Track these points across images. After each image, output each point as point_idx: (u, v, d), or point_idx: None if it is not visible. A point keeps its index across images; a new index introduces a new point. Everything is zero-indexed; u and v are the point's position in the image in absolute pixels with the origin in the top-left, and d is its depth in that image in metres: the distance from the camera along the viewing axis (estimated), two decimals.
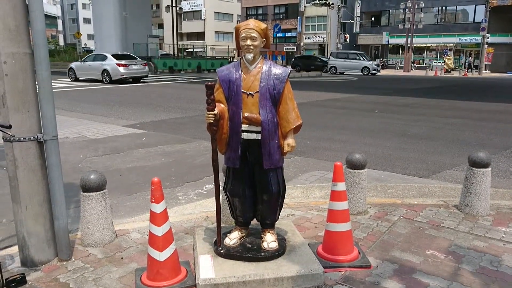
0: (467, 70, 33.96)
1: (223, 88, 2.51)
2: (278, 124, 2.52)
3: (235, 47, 2.62)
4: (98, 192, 2.96)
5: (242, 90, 2.47)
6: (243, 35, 2.43)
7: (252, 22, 2.45)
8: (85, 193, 2.95)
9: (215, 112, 2.41)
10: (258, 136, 2.48)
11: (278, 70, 2.49)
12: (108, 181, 3.09)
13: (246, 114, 2.45)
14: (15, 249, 2.87)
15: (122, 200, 4.24)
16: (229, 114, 2.51)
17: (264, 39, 2.49)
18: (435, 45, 41.09)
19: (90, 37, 59.91)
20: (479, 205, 3.58)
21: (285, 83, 2.48)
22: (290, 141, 2.53)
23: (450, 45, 40.02)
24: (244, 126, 2.49)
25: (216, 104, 2.45)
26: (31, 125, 2.61)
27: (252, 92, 2.46)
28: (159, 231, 2.41)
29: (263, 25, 2.47)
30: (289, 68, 2.61)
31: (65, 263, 2.77)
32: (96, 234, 2.99)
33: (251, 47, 2.43)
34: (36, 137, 2.61)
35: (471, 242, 3.05)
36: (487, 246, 2.98)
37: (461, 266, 2.69)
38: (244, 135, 2.50)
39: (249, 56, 2.45)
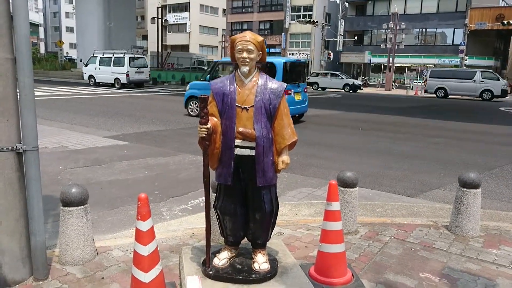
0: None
1: (216, 101, 2.42)
2: (272, 140, 2.43)
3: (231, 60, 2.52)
4: (79, 207, 2.80)
5: (237, 104, 2.38)
6: (239, 47, 2.35)
7: (248, 34, 2.37)
8: (65, 208, 2.78)
9: (208, 126, 2.31)
10: (252, 152, 2.39)
11: (274, 84, 2.42)
12: (88, 194, 2.93)
13: (240, 129, 2.36)
14: None
15: (103, 215, 4.05)
16: (222, 128, 2.41)
17: (261, 52, 2.41)
18: (415, 65, 42.06)
19: (72, 46, 59.25)
20: (469, 226, 3.55)
21: (281, 98, 2.40)
22: (284, 158, 2.45)
23: (430, 65, 41.01)
24: (237, 141, 2.39)
25: (209, 117, 2.35)
26: (10, 135, 2.45)
27: (247, 106, 2.37)
28: (145, 250, 2.26)
29: (259, 38, 2.40)
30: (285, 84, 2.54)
31: (41, 283, 2.59)
32: (76, 251, 2.81)
33: (247, 60, 2.35)
34: (15, 147, 2.45)
35: (464, 265, 2.99)
36: (480, 269, 2.93)
37: None
38: (238, 151, 2.40)
39: (245, 69, 2.37)
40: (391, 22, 35.67)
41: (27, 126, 2.45)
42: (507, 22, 31.41)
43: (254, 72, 2.43)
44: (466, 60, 34.93)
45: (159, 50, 34.87)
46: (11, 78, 2.44)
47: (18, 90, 2.45)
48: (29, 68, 2.42)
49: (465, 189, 3.55)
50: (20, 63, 2.40)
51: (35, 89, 2.52)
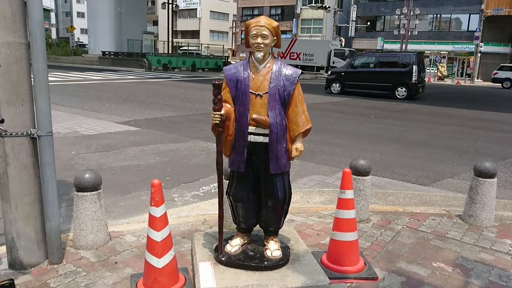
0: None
1: (230, 87, 2.39)
2: (286, 127, 2.40)
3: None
4: (92, 192, 2.82)
5: (251, 91, 2.35)
6: (254, 32, 2.31)
7: (263, 19, 2.33)
8: (79, 193, 2.80)
9: (222, 112, 2.29)
10: (266, 139, 2.36)
11: (288, 70, 2.38)
12: (101, 180, 2.94)
13: (254, 116, 2.33)
14: (3, 249, 2.71)
15: (116, 200, 4.09)
16: (236, 115, 2.38)
17: (275, 38, 2.37)
18: (429, 52, 41.32)
19: (83, 31, 59.36)
20: (483, 216, 3.50)
21: (295, 85, 2.37)
22: (298, 145, 2.43)
23: (444, 52, 40.29)
24: (251, 128, 2.36)
25: (223, 104, 2.33)
26: (25, 120, 2.46)
27: (261, 93, 2.34)
28: (158, 236, 2.28)
29: (274, 23, 2.35)
30: (300, 70, 2.50)
31: (55, 266, 2.62)
32: (89, 236, 2.84)
33: (262, 46, 2.31)
34: (29, 132, 2.46)
35: (477, 255, 2.96)
36: (494, 259, 2.89)
37: (470, 280, 2.60)
38: (251, 138, 2.38)
39: (259, 54, 2.33)
40: (405, 8, 34.98)
41: (41, 111, 2.46)
42: None
43: (269, 58, 2.40)
44: (481, 47, 34.20)
45: (170, 35, 34.77)
46: (25, 63, 2.43)
47: (32, 75, 2.45)
48: (42, 53, 2.42)
49: (480, 178, 3.50)
50: (34, 48, 2.40)
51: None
